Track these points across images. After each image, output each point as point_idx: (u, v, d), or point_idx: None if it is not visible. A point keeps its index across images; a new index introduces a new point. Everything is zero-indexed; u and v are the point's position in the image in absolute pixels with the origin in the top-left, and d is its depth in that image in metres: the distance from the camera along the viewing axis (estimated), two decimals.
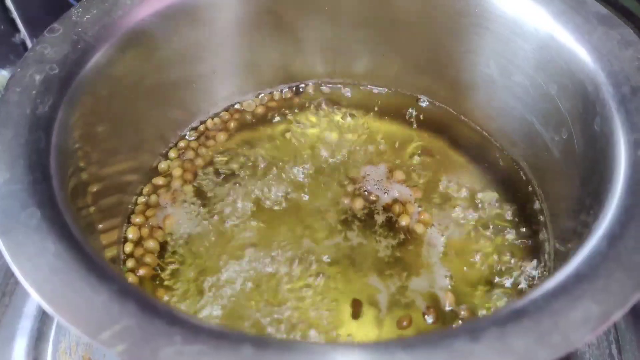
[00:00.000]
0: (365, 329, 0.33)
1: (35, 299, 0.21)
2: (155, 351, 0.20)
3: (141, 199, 0.39)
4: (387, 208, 0.38)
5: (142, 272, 0.36)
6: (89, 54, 0.31)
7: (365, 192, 0.39)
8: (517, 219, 0.38)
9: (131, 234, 0.37)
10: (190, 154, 0.41)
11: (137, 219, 0.38)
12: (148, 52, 0.35)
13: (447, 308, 0.34)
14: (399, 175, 0.40)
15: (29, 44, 0.48)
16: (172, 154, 0.41)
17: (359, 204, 0.39)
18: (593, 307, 0.21)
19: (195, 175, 0.40)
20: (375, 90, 0.46)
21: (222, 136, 0.43)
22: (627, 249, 0.23)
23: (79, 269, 0.22)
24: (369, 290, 0.35)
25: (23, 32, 0.47)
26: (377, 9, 0.40)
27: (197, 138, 0.43)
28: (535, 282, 0.35)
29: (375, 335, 0.33)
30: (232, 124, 0.43)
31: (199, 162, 0.41)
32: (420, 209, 0.38)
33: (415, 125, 0.43)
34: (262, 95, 0.45)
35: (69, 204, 0.26)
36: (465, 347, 0.20)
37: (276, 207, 0.38)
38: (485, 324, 0.21)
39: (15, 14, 0.46)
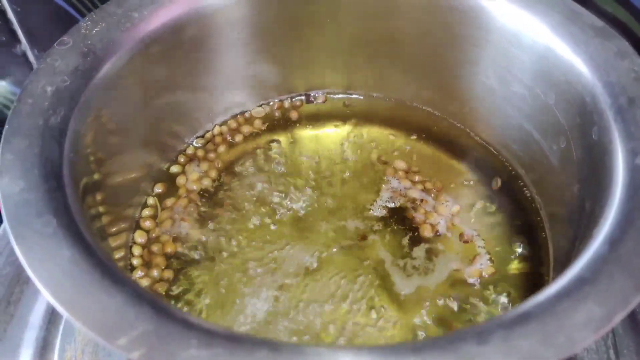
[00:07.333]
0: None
1: (54, 306, 0.22)
2: (173, 356, 0.20)
3: (149, 204, 0.40)
4: (388, 217, 0.39)
5: (149, 277, 0.36)
6: (98, 66, 0.31)
7: (369, 205, 0.40)
8: (515, 227, 0.38)
9: (140, 237, 0.38)
10: (196, 162, 0.42)
11: (146, 224, 0.38)
12: (155, 63, 0.36)
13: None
14: (401, 185, 0.41)
15: (29, 55, 0.48)
16: (180, 160, 0.42)
17: (365, 217, 0.39)
18: (596, 309, 0.22)
19: (202, 182, 0.41)
20: (376, 101, 0.46)
21: (222, 148, 0.43)
22: (627, 252, 0.24)
23: (94, 275, 0.23)
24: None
25: (24, 43, 0.48)
26: (379, 21, 0.41)
27: (204, 146, 0.43)
28: (534, 288, 0.35)
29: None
30: (236, 135, 0.44)
31: (205, 169, 0.42)
32: (422, 217, 0.39)
33: (414, 135, 0.44)
34: (266, 105, 0.46)
35: (82, 211, 0.26)
36: (473, 349, 0.21)
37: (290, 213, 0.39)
38: (492, 327, 0.22)
39: (16, 25, 0.46)
